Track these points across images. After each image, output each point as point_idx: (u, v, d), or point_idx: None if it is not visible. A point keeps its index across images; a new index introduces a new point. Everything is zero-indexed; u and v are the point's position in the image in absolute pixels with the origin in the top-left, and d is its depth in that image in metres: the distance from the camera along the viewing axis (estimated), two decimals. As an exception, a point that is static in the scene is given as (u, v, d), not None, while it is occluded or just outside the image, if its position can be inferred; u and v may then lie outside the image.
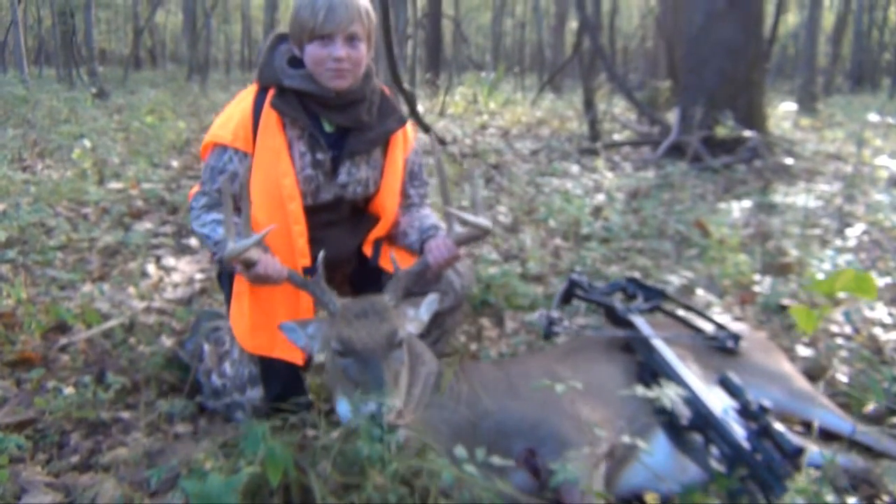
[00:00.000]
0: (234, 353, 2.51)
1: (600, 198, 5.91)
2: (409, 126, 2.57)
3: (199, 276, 4.08)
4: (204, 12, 23.93)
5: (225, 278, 2.51)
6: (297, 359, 2.33)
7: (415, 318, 2.14)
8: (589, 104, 9.45)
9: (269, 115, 2.32)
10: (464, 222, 2.19)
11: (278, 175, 2.30)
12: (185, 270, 4.17)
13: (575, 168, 7.43)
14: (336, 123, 2.39)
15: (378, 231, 2.54)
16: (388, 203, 2.52)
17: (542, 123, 11.46)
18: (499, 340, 3.30)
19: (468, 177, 6.77)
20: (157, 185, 5.92)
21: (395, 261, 2.17)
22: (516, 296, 3.65)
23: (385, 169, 2.51)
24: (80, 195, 5.41)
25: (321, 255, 2.15)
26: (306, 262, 2.34)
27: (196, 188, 2.46)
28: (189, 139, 8.53)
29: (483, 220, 2.19)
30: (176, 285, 3.92)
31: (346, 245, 2.53)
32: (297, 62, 2.36)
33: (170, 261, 4.29)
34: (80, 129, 8.25)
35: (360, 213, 2.58)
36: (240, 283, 2.34)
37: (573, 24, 21.47)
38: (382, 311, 1.99)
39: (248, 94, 2.41)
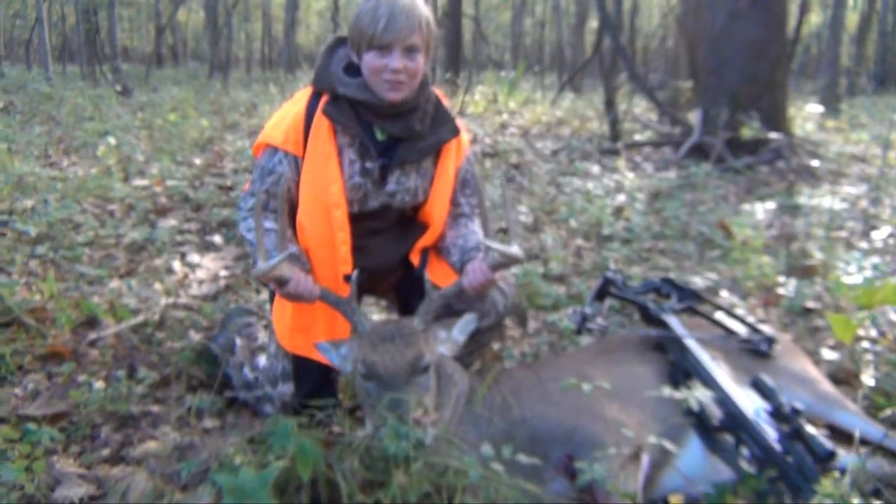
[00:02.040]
0: (272, 347, 2.54)
1: (621, 198, 5.90)
2: (464, 134, 2.54)
3: (223, 272, 4.12)
4: (225, 10, 24.09)
5: None
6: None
7: (447, 339, 2.13)
8: (610, 104, 9.41)
9: (321, 121, 2.31)
10: (498, 252, 2.17)
11: (326, 181, 2.29)
12: (209, 267, 4.21)
13: (596, 168, 7.42)
14: (388, 132, 2.36)
15: (426, 240, 2.52)
16: (436, 212, 2.49)
17: (562, 123, 11.43)
18: (521, 340, 3.32)
19: (489, 176, 6.78)
20: (181, 183, 5.97)
21: (428, 282, 2.16)
22: (539, 296, 3.66)
23: (435, 178, 2.47)
24: (105, 192, 5.47)
25: (355, 273, 2.16)
26: (348, 269, 2.34)
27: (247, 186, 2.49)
28: (212, 137, 8.60)
29: (515, 250, 2.15)
30: (201, 282, 3.96)
31: (391, 254, 2.52)
32: (353, 68, 2.34)
33: (194, 257, 4.34)
34: (104, 126, 8.33)
35: (407, 221, 2.55)
36: None
37: (593, 24, 21.41)
38: (409, 336, 2.00)
39: (302, 97, 2.41)
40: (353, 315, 2.11)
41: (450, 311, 2.22)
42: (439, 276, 2.40)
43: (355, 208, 2.38)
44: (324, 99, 2.34)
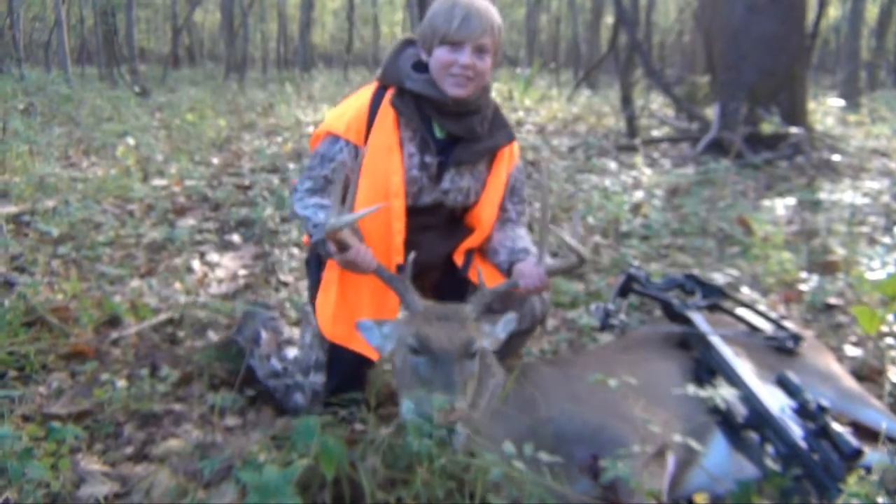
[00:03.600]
0: (307, 337, 2.56)
1: (639, 195, 5.87)
2: (516, 143, 2.61)
3: (242, 271, 4.14)
4: (241, 11, 24.18)
5: (314, 264, 2.58)
6: (373, 354, 2.35)
7: (490, 334, 2.15)
8: (626, 100, 9.37)
9: (387, 113, 2.39)
10: (565, 246, 2.21)
11: (388, 171, 2.35)
12: (228, 266, 4.24)
13: (613, 165, 7.38)
14: (448, 130, 2.42)
15: (471, 242, 2.56)
16: (485, 215, 2.53)
17: (578, 120, 11.40)
18: (541, 338, 3.31)
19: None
20: (200, 182, 6.01)
21: (481, 276, 2.19)
22: (557, 293, 3.65)
23: (488, 182, 2.53)
24: (125, 192, 5.52)
25: (411, 255, 2.18)
26: (400, 259, 2.37)
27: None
28: (229, 136, 8.64)
29: (582, 249, 2.21)
30: (220, 281, 3.98)
31: (438, 250, 2.55)
32: (421, 66, 2.41)
33: (213, 257, 4.36)
34: (123, 126, 8.40)
35: (456, 221, 2.60)
36: (330, 272, 2.42)
37: (609, 20, 21.29)
38: (463, 319, 2.02)
39: (367, 90, 2.49)
40: (407, 292, 2.13)
41: (488, 310, 2.23)
42: (483, 278, 2.43)
43: (409, 201, 2.43)
44: (390, 92, 2.42)
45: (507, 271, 2.39)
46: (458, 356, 1.93)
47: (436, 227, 2.54)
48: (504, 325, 2.17)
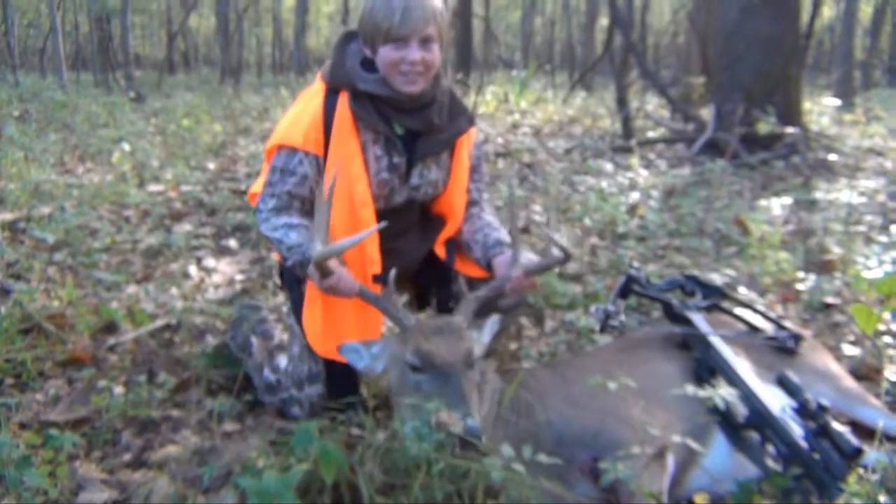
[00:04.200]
0: (295, 349, 2.53)
1: (636, 196, 5.86)
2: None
3: (239, 276, 4.14)
4: (236, 16, 24.20)
5: (290, 280, 2.52)
6: None
7: (479, 341, 2.13)
8: (622, 101, 9.37)
9: (343, 119, 2.30)
10: (551, 243, 2.22)
11: (351, 180, 2.29)
12: (225, 271, 4.23)
13: (609, 166, 7.38)
14: (407, 127, 2.36)
15: (447, 232, 2.54)
16: (455, 202, 2.51)
17: (574, 121, 11.40)
18: (539, 340, 3.30)
19: (500, 176, 6.77)
20: (195, 188, 6.00)
21: (463, 285, 2.19)
22: (555, 295, 3.65)
23: (453, 169, 2.50)
24: (121, 198, 5.51)
25: (393, 272, 2.15)
26: (376, 269, 2.34)
27: (255, 187, 2.47)
28: (224, 142, 8.64)
29: (567, 247, 2.20)
30: (217, 286, 3.97)
31: (417, 252, 2.54)
32: (368, 64, 2.33)
33: (210, 262, 4.35)
34: (118, 132, 8.38)
35: (428, 216, 2.57)
36: (313, 289, 2.32)
37: (603, 22, 21.35)
38: (459, 331, 2.00)
39: (315, 95, 2.38)
40: (396, 311, 2.10)
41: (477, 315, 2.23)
42: (466, 268, 2.43)
43: (381, 204, 2.38)
44: (343, 95, 2.32)
45: (487, 266, 2.37)
46: (462, 367, 1.91)
47: (411, 228, 2.51)
48: (488, 330, 2.16)
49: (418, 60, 2.22)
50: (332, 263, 2.06)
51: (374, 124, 2.30)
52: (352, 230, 2.28)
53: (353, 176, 2.29)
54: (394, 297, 2.12)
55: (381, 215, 2.35)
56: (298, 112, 2.39)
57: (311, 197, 2.34)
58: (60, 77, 15.74)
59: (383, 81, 2.29)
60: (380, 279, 2.29)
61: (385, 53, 2.24)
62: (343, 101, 2.32)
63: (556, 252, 2.21)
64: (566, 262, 2.26)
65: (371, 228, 2.10)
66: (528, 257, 2.25)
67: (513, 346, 3.20)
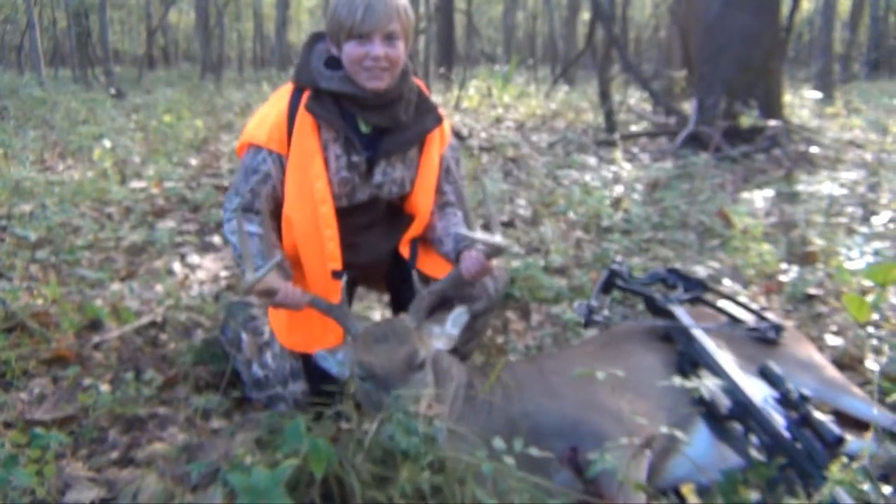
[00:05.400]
0: (276, 346, 2.54)
1: (619, 189, 5.89)
2: (446, 123, 2.56)
3: (223, 273, 4.12)
4: (216, 10, 24.01)
5: None
6: None
7: (441, 334, 2.13)
8: (604, 95, 9.40)
9: (304, 118, 2.32)
10: (480, 242, 2.20)
11: (311, 178, 2.30)
12: (209, 268, 4.21)
13: (593, 160, 7.41)
14: (373, 124, 2.36)
15: (413, 231, 2.54)
16: (422, 202, 2.50)
17: (557, 116, 11.42)
18: (525, 333, 3.32)
19: (486, 170, 6.78)
20: (178, 184, 5.96)
21: (417, 281, 2.17)
22: (541, 289, 3.66)
23: (420, 168, 2.49)
24: (103, 195, 5.46)
25: (344, 277, 2.17)
26: (336, 265, 2.35)
27: None
28: (207, 137, 8.58)
29: (498, 239, 2.18)
30: (202, 282, 3.96)
31: (381, 249, 2.54)
32: (334, 62, 2.34)
33: (194, 258, 4.33)
34: (99, 129, 8.29)
35: (395, 212, 2.57)
36: None
37: (585, 15, 21.37)
38: (402, 335, 2.00)
39: (283, 95, 2.41)
40: (346, 319, 2.11)
41: (442, 301, 2.22)
42: (431, 267, 2.43)
43: (344, 202, 2.39)
44: (306, 95, 2.34)
45: (456, 259, 2.36)
46: (403, 375, 1.92)
47: (375, 225, 2.51)
48: (454, 321, 2.15)
49: (381, 56, 2.22)
50: (275, 282, 2.08)
51: (332, 123, 2.31)
52: (312, 227, 2.31)
53: (314, 174, 2.31)
54: (345, 305, 2.13)
55: (343, 213, 2.37)
56: (266, 111, 2.42)
57: (273, 195, 2.36)
58: (39, 73, 15.52)
59: (347, 79, 2.30)
60: (340, 275, 2.29)
61: (349, 50, 2.25)
62: (304, 100, 2.34)
63: (495, 240, 2.18)
64: (502, 252, 2.24)
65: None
66: (482, 245, 2.23)
67: (499, 339, 3.21)
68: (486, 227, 2.26)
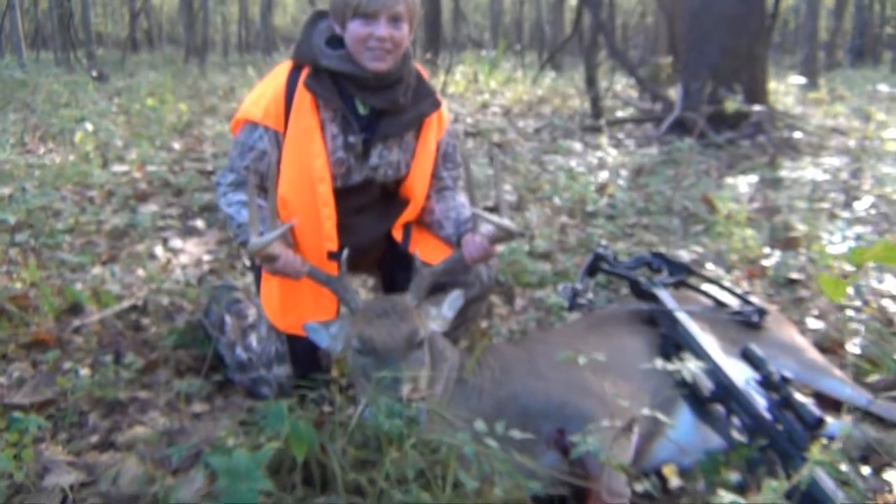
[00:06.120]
0: (262, 329, 2.53)
1: (605, 175, 5.90)
2: (444, 108, 2.54)
3: (206, 257, 4.09)
4: (200, -7, 23.73)
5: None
6: None
7: (438, 316, 2.13)
8: (591, 81, 9.39)
9: (303, 95, 2.30)
10: (491, 223, 2.17)
11: (310, 156, 2.28)
12: (192, 252, 4.17)
13: (578, 146, 7.41)
14: (371, 105, 2.34)
15: (408, 215, 2.52)
16: (417, 187, 2.48)
17: (543, 101, 11.41)
18: (509, 317, 3.32)
19: (472, 156, 6.76)
20: (161, 168, 5.90)
21: (417, 260, 2.15)
22: (525, 273, 3.66)
23: (417, 152, 2.47)
24: (84, 178, 5.40)
25: (345, 252, 2.14)
26: (333, 246, 2.33)
27: None
28: (190, 121, 8.50)
29: (508, 223, 2.17)
30: (184, 267, 3.92)
31: (374, 231, 2.52)
32: (335, 41, 2.32)
33: (177, 243, 4.30)
34: (81, 112, 8.20)
35: (390, 196, 2.55)
36: None
37: (573, 1, 21.33)
38: (403, 312, 2.00)
39: (281, 71, 2.38)
40: (345, 292, 2.10)
41: (436, 285, 2.21)
42: (427, 251, 2.40)
43: (338, 183, 2.37)
44: (305, 72, 2.32)
45: (458, 243, 2.34)
46: (403, 351, 1.92)
47: (369, 208, 2.50)
48: (451, 303, 2.15)
49: (386, 37, 2.21)
50: (276, 248, 2.07)
51: (330, 101, 2.30)
52: (310, 206, 2.30)
53: (313, 152, 2.29)
54: (344, 279, 2.11)
55: (338, 194, 2.35)
56: (263, 87, 2.40)
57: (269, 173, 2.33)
58: (20, 56, 15.33)
59: (348, 58, 2.29)
60: (336, 256, 2.28)
61: (353, 28, 2.23)
62: (303, 77, 2.32)
63: (505, 223, 2.16)
64: (515, 234, 2.22)
65: (288, 224, 2.08)
66: (490, 228, 2.21)
67: (483, 324, 3.21)
68: (492, 211, 2.23)
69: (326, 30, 2.36)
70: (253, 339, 2.57)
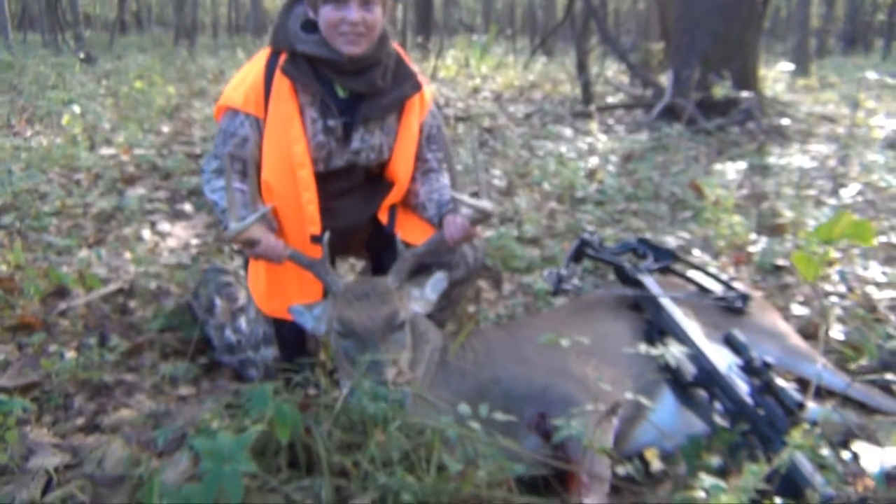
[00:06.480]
0: (251, 312, 2.54)
1: (594, 161, 5.89)
2: (427, 89, 2.52)
3: (194, 241, 4.08)
4: (190, -25, 23.47)
5: None
6: None
7: (420, 297, 2.15)
8: (582, 67, 9.36)
9: (282, 81, 2.30)
10: (468, 206, 2.18)
11: (290, 141, 2.28)
12: (180, 235, 4.16)
13: (568, 131, 7.40)
14: (349, 89, 2.34)
15: (392, 198, 2.51)
16: (401, 169, 2.48)
17: (534, 87, 11.37)
18: (497, 302, 3.33)
19: (461, 140, 6.75)
20: (149, 151, 5.87)
21: (400, 242, 2.16)
22: (513, 258, 3.67)
23: (399, 135, 2.46)
24: (71, 161, 5.36)
25: (326, 235, 2.15)
26: (315, 230, 2.33)
27: None
28: (179, 104, 8.44)
29: (485, 204, 2.17)
30: (172, 250, 3.91)
31: (359, 213, 2.51)
32: (311, 26, 2.32)
33: (165, 226, 4.28)
34: (68, 94, 8.11)
35: (374, 179, 2.55)
36: None
37: (565, -14, 21.21)
38: (384, 293, 2.01)
39: (260, 58, 2.38)
40: (327, 275, 2.11)
41: (420, 266, 2.22)
42: (411, 233, 2.40)
43: (321, 167, 2.37)
44: (282, 58, 2.32)
45: (440, 224, 2.34)
46: (383, 333, 1.93)
47: (354, 191, 2.49)
48: (434, 285, 2.16)
49: (358, 21, 2.20)
50: (256, 232, 2.09)
51: (308, 86, 2.29)
52: (291, 190, 2.30)
53: (292, 137, 2.29)
54: (326, 262, 2.12)
55: (321, 178, 2.35)
56: (244, 74, 2.40)
57: (252, 159, 2.33)
58: (6, 37, 15.16)
59: (323, 42, 2.28)
60: (319, 239, 2.28)
61: (325, 13, 2.23)
62: (281, 62, 2.31)
63: (483, 205, 2.17)
64: (489, 217, 2.23)
65: (264, 209, 2.10)
66: (467, 210, 2.21)
67: (471, 308, 3.22)
68: (475, 195, 2.24)
69: (302, 14, 2.35)
70: (242, 322, 2.58)
